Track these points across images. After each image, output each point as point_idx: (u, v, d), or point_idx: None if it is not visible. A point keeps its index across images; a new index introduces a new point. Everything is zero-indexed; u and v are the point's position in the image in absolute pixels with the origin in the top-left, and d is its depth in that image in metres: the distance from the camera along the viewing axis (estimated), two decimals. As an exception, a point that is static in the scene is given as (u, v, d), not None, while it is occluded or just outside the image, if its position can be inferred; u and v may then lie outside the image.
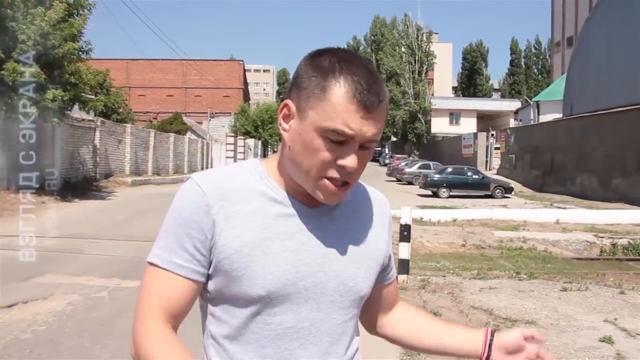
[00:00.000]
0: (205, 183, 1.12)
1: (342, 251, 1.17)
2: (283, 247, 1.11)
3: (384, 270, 1.30)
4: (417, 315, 1.39)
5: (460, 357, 1.31)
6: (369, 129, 1.06)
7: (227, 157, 46.10)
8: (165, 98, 63.67)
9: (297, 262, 1.11)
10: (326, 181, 1.08)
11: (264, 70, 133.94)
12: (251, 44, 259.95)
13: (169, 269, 1.11)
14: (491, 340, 1.25)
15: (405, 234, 7.73)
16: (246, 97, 72.57)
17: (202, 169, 41.02)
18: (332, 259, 1.15)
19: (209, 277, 1.13)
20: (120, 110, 35.48)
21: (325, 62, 1.07)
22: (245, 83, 76.13)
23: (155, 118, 55.69)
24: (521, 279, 8.23)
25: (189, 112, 60.36)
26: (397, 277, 1.42)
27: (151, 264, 1.13)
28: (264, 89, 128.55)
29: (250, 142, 54.27)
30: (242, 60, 73.19)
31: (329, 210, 1.17)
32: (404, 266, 7.71)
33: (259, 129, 56.90)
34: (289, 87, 1.15)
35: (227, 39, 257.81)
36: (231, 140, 47.87)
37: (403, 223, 7.79)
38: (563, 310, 6.39)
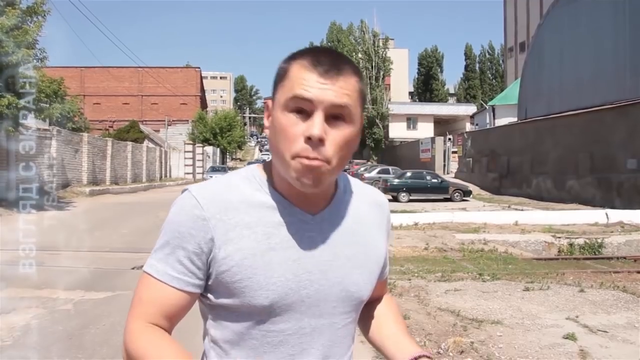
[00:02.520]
0: (203, 196, 1.12)
1: (345, 257, 1.17)
2: (285, 257, 1.11)
3: (381, 270, 1.31)
4: (385, 315, 1.37)
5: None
6: (328, 92, 1.04)
7: (185, 165, 45.68)
8: (121, 106, 62.80)
9: (299, 270, 1.12)
10: (299, 160, 1.05)
11: (220, 77, 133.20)
12: (207, 51, 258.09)
13: (163, 281, 1.12)
14: None
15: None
16: (203, 104, 72.08)
17: (161, 177, 40.51)
18: (334, 266, 1.15)
19: (209, 288, 1.14)
20: (76, 119, 34.81)
21: (291, 55, 1.12)
22: (203, 90, 75.60)
23: (112, 127, 54.82)
24: (485, 280, 8.38)
25: (145, 120, 59.63)
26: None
27: (147, 273, 1.14)
28: (221, 96, 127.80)
29: (209, 149, 53.91)
30: (198, 68, 72.67)
31: (330, 215, 1.18)
32: (370, 270, 7.77)
33: (217, 136, 56.62)
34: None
35: (183, 46, 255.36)
36: (190, 147, 47.45)
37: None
38: (527, 309, 6.55)
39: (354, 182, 1.29)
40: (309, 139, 1.03)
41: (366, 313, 1.35)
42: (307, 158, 1.04)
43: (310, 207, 1.16)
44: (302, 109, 1.05)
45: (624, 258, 11.65)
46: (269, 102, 1.13)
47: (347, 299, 1.18)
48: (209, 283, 1.13)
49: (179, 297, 1.12)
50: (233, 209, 1.11)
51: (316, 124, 1.03)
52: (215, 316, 1.16)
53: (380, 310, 1.38)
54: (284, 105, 1.06)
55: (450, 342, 5.18)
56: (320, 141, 1.04)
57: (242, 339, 1.13)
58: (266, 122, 1.15)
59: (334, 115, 1.06)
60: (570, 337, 5.34)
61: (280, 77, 1.10)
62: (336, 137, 1.06)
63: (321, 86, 1.04)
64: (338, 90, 1.05)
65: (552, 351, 5.02)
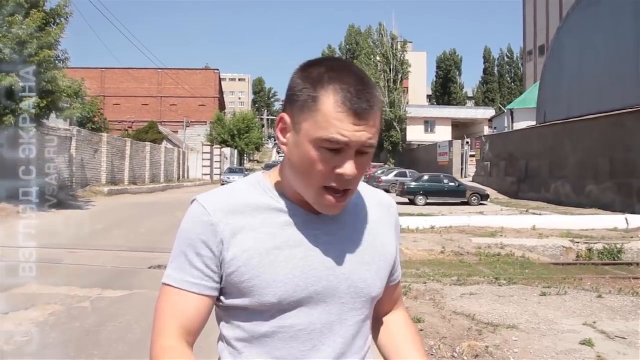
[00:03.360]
0: (209, 203, 1.17)
1: (351, 254, 1.19)
2: (291, 255, 1.14)
3: (391, 270, 1.32)
4: (401, 333, 1.38)
5: None
6: (362, 134, 1.07)
7: (203, 166, 45.94)
8: (140, 107, 63.37)
9: (306, 268, 1.14)
10: (326, 194, 1.11)
11: (239, 79, 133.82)
12: (227, 53, 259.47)
13: (183, 288, 1.15)
14: None
15: (387, 241, 7.78)
16: (222, 106, 72.46)
17: (179, 178, 40.79)
18: (341, 263, 1.18)
19: (221, 290, 1.17)
20: (96, 119, 35.23)
21: (315, 73, 1.09)
22: (221, 92, 76.05)
23: (131, 127, 55.31)
24: (501, 285, 8.33)
25: (164, 121, 60.10)
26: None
27: (165, 284, 1.18)
28: (240, 98, 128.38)
29: (227, 151, 54.20)
30: (217, 69, 73.15)
31: (334, 216, 1.19)
32: (386, 273, 7.76)
33: (235, 138, 56.87)
34: (284, 100, 1.17)
35: (203, 47, 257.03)
36: (208, 149, 47.73)
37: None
38: (543, 314, 6.50)
39: (360, 185, 1.30)
40: (340, 175, 1.09)
41: (386, 333, 1.38)
42: (337, 192, 1.11)
43: (312, 208, 1.17)
44: (334, 148, 1.08)
45: (644, 264, 11.51)
46: (287, 119, 1.13)
47: (356, 295, 1.19)
48: (221, 285, 1.17)
49: (199, 303, 1.15)
50: (239, 213, 1.15)
51: (351, 165, 1.08)
52: (228, 317, 1.19)
53: (396, 328, 1.39)
54: (314, 140, 1.07)
55: (465, 346, 5.16)
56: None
57: (253, 337, 1.15)
58: (281, 138, 1.15)
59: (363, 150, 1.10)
60: (588, 343, 5.29)
61: (307, 104, 1.08)
62: (362, 165, 1.11)
63: (356, 129, 1.06)
64: (371, 129, 1.08)
65: (568, 357, 4.98)
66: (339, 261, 1.18)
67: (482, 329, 5.82)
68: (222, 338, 1.22)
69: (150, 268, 9.24)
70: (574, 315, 6.50)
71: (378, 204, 1.31)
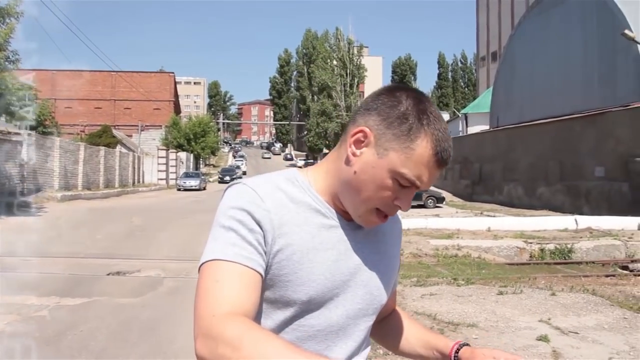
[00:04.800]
0: (262, 190, 1.14)
1: (371, 262, 1.24)
2: (326, 257, 1.16)
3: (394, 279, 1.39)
4: (404, 323, 1.46)
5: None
6: (432, 182, 1.15)
7: (159, 171, 45.30)
8: (93, 110, 62.07)
9: (335, 270, 1.17)
10: (375, 215, 1.17)
11: (194, 83, 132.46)
12: (182, 56, 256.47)
13: (238, 261, 1.07)
14: (457, 352, 1.33)
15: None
16: (177, 109, 71.63)
17: (134, 183, 40.10)
18: (362, 270, 1.22)
19: None
20: (47, 122, 34.37)
21: (414, 110, 1.13)
22: (176, 95, 75.21)
23: (83, 131, 54.11)
24: (459, 285, 8.52)
25: (118, 125, 59.09)
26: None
27: (216, 260, 1.08)
28: (195, 102, 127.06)
29: (183, 155, 53.57)
30: (172, 73, 72.27)
31: (359, 225, 1.23)
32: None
33: (191, 142, 56.27)
34: (362, 110, 1.18)
35: (157, 50, 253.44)
36: (163, 153, 47.01)
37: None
38: (501, 312, 6.70)
39: None
40: (397, 207, 1.16)
41: (388, 328, 1.44)
42: (382, 218, 1.18)
43: (346, 214, 1.22)
44: (406, 185, 1.14)
45: (593, 262, 11.93)
46: (370, 135, 1.14)
47: (371, 302, 1.25)
48: None
49: (253, 279, 1.08)
50: (284, 206, 1.15)
51: (409, 201, 1.16)
52: None
53: (399, 322, 1.46)
54: (395, 172, 1.12)
55: (427, 344, 5.28)
56: None
57: (273, 332, 1.14)
58: (354, 149, 1.16)
59: None
60: (543, 338, 5.49)
61: (404, 137, 1.12)
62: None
63: (432, 176, 1.14)
64: (435, 178, 1.17)
65: (526, 352, 5.15)
66: (361, 268, 1.22)
67: (443, 328, 5.96)
68: None
69: (109, 275, 9.11)
70: (530, 313, 6.72)
71: (391, 218, 1.34)
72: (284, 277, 1.13)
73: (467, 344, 1.35)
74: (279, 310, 1.15)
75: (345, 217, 1.22)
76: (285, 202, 1.16)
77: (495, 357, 1.25)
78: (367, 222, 1.20)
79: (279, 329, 1.16)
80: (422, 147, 1.11)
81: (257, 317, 1.13)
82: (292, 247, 1.13)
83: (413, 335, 1.43)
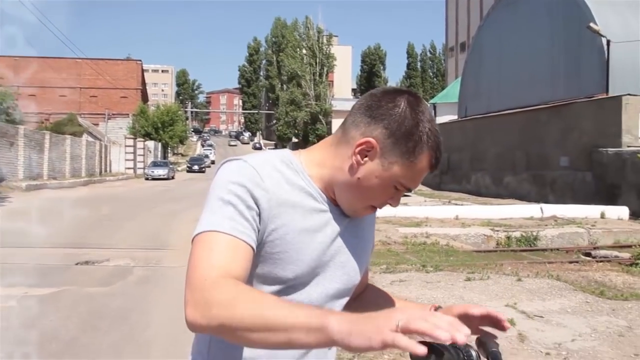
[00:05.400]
0: (261, 169, 1.19)
1: (351, 245, 1.32)
2: (315, 239, 1.24)
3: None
4: (378, 295, 1.54)
5: None
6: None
7: (126, 160, 44.77)
8: (58, 98, 60.72)
9: (321, 252, 1.25)
10: (368, 209, 1.29)
11: (162, 71, 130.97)
12: (149, 43, 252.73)
13: (234, 234, 1.12)
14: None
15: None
16: (144, 97, 70.73)
17: (101, 172, 39.57)
18: (342, 252, 1.30)
19: None
20: (10, 110, 33.60)
21: (418, 125, 1.20)
22: (144, 83, 74.20)
23: (48, 119, 53.05)
24: (428, 272, 8.67)
25: (84, 114, 58.00)
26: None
27: (213, 231, 1.12)
28: (163, 90, 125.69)
29: (151, 144, 52.97)
30: (140, 60, 71.21)
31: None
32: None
33: (159, 130, 55.65)
34: (365, 114, 1.24)
35: (124, 37, 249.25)
36: (130, 142, 46.45)
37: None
38: (469, 297, 6.85)
39: None
40: (389, 204, 1.29)
41: (365, 301, 1.49)
42: (374, 209, 1.30)
43: (334, 201, 1.29)
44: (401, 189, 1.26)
45: (557, 249, 12.22)
46: (377, 147, 1.21)
47: (347, 282, 1.32)
48: None
49: (247, 253, 1.13)
50: (281, 187, 1.21)
51: (399, 199, 1.29)
52: None
53: (373, 295, 1.54)
54: (396, 182, 1.23)
55: (397, 329, 5.38)
56: None
57: None
58: (359, 158, 1.22)
59: None
60: (510, 322, 5.59)
61: (408, 154, 1.20)
62: None
63: (422, 179, 1.28)
64: None
65: (496, 334, 5.28)
66: (341, 250, 1.30)
67: (412, 313, 6.07)
68: None
69: (77, 264, 9.03)
70: (497, 298, 6.89)
71: None
72: (275, 255, 1.19)
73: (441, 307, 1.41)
74: (265, 286, 1.21)
75: (334, 202, 1.29)
76: (282, 183, 1.22)
77: (469, 311, 1.27)
78: (358, 215, 1.30)
79: None
80: (423, 161, 1.22)
81: None
82: (286, 227, 1.19)
83: (391, 304, 1.49)
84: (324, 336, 0.92)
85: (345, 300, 1.35)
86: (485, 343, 1.18)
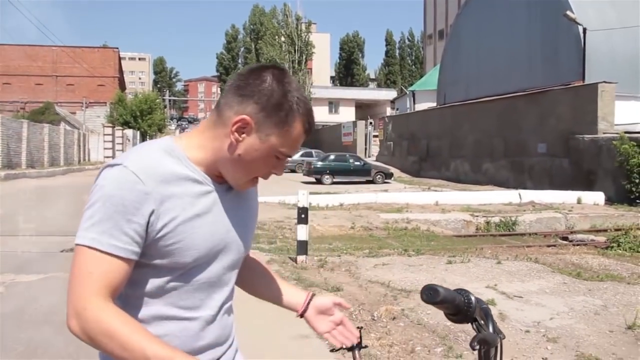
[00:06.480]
0: (141, 171, 1.24)
1: (240, 219, 1.43)
2: (206, 221, 1.33)
3: None
4: (261, 269, 1.69)
5: (284, 307, 1.65)
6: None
7: (105, 148, 44.34)
8: (34, 87, 59.80)
9: (214, 231, 1.35)
10: (252, 181, 1.39)
11: (139, 59, 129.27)
12: (125, 30, 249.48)
13: (111, 252, 1.21)
14: (310, 300, 1.60)
15: (302, 216, 8.03)
16: (122, 86, 69.81)
17: (79, 161, 39.23)
18: (233, 226, 1.41)
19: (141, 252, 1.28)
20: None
21: (286, 95, 1.30)
22: (121, 71, 73.17)
23: (24, 108, 52.32)
24: (410, 255, 8.86)
25: (60, 102, 57.19)
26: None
27: (90, 248, 1.21)
28: (140, 78, 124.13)
29: (129, 132, 52.45)
30: (117, 48, 70.23)
31: (229, 186, 1.41)
32: (302, 247, 8.05)
33: (137, 119, 55.07)
34: (236, 93, 1.31)
35: (100, 24, 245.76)
36: (109, 130, 45.97)
37: (300, 206, 8.09)
38: (450, 280, 7.04)
39: None
40: (273, 174, 1.39)
41: (247, 271, 1.63)
42: (257, 180, 1.41)
43: (218, 178, 1.39)
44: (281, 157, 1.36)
45: (535, 234, 12.53)
46: (251, 123, 1.29)
47: (240, 252, 1.45)
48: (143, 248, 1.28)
49: (124, 267, 1.23)
50: (165, 183, 1.27)
51: (283, 168, 1.40)
52: (139, 275, 1.30)
53: (258, 269, 1.69)
54: (276, 151, 1.32)
55: (383, 310, 5.55)
56: None
57: (162, 290, 1.32)
58: (237, 135, 1.30)
59: None
60: (490, 302, 5.81)
61: (282, 123, 1.30)
62: None
63: (299, 146, 1.38)
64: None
65: (474, 315, 5.47)
66: (234, 225, 1.40)
67: (397, 295, 6.25)
68: (123, 295, 1.30)
69: (62, 251, 9.03)
70: (478, 280, 7.09)
71: None
72: (171, 246, 1.28)
73: (315, 294, 1.63)
74: (167, 273, 1.31)
75: (217, 180, 1.38)
76: (166, 176, 1.27)
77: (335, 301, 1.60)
78: (244, 188, 1.41)
79: (168, 287, 1.32)
80: (297, 128, 1.33)
81: (130, 285, 1.29)
82: (176, 220, 1.27)
83: (272, 281, 1.66)
84: None
85: (238, 268, 1.48)
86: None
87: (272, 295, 1.64)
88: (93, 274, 1.20)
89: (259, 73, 1.32)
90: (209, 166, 1.35)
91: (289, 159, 1.41)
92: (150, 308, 1.32)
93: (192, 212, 1.30)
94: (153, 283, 1.30)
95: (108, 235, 1.20)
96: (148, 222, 1.24)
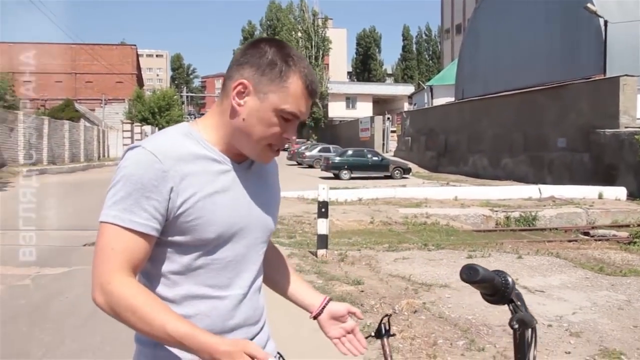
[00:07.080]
0: (159, 151, 1.29)
1: (261, 197, 1.46)
2: (226, 198, 1.36)
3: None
4: (282, 264, 1.71)
5: (299, 306, 1.67)
6: (308, 111, 1.39)
7: (124, 145, 44.62)
8: (53, 84, 60.45)
9: (235, 207, 1.38)
10: (269, 150, 1.38)
11: (157, 56, 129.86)
12: (143, 28, 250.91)
13: (131, 228, 1.26)
14: (326, 304, 1.61)
15: (323, 210, 8.04)
16: (140, 82, 70.41)
17: (99, 157, 39.62)
18: (256, 204, 1.44)
19: (163, 229, 1.31)
20: (7, 97, 33.52)
21: (280, 54, 1.33)
22: (139, 68, 73.85)
23: (44, 105, 52.86)
24: (430, 250, 8.85)
25: (80, 99, 57.81)
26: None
27: (112, 224, 1.26)
28: (158, 75, 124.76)
29: (148, 128, 52.84)
30: (134, 45, 70.87)
31: (249, 165, 1.45)
32: (322, 241, 8.08)
33: (156, 115, 55.45)
34: (235, 66, 1.36)
35: (118, 22, 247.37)
36: (128, 127, 46.32)
37: (321, 200, 8.10)
38: (471, 274, 7.01)
39: None
40: (286, 139, 1.38)
41: (267, 264, 1.63)
42: (275, 151, 1.40)
43: (237, 158, 1.42)
44: (289, 118, 1.35)
45: (556, 229, 12.44)
46: (249, 85, 1.32)
47: (265, 230, 1.48)
48: (165, 224, 1.32)
49: (145, 243, 1.28)
50: (183, 161, 1.31)
51: (295, 132, 1.39)
52: (165, 253, 1.34)
53: (277, 263, 1.71)
54: (278, 110, 1.32)
55: (404, 303, 5.56)
56: None
57: (189, 269, 1.35)
58: (238, 100, 1.33)
59: None
60: (512, 296, 5.80)
61: (278, 79, 1.32)
62: (296, 131, 1.42)
63: (307, 106, 1.37)
64: (310, 108, 1.40)
65: (496, 308, 5.44)
66: (255, 203, 1.43)
67: (418, 288, 6.25)
68: (151, 272, 1.36)
69: (85, 245, 9.16)
70: (499, 274, 7.06)
71: None
72: (192, 222, 1.31)
73: (332, 299, 1.65)
74: (193, 250, 1.34)
75: (236, 160, 1.41)
76: (184, 156, 1.32)
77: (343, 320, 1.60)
78: (264, 158, 1.42)
79: (195, 265, 1.35)
80: (295, 83, 1.33)
81: (159, 264, 1.34)
82: (195, 196, 1.31)
83: (293, 279, 1.69)
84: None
85: (265, 246, 1.51)
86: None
87: (289, 292, 1.67)
88: (115, 250, 1.25)
89: (257, 44, 1.38)
90: (226, 145, 1.38)
91: (304, 143, 1.40)
92: (181, 287, 1.34)
93: (212, 189, 1.33)
94: (180, 262, 1.34)
95: (129, 212, 1.26)
96: (169, 199, 1.28)
